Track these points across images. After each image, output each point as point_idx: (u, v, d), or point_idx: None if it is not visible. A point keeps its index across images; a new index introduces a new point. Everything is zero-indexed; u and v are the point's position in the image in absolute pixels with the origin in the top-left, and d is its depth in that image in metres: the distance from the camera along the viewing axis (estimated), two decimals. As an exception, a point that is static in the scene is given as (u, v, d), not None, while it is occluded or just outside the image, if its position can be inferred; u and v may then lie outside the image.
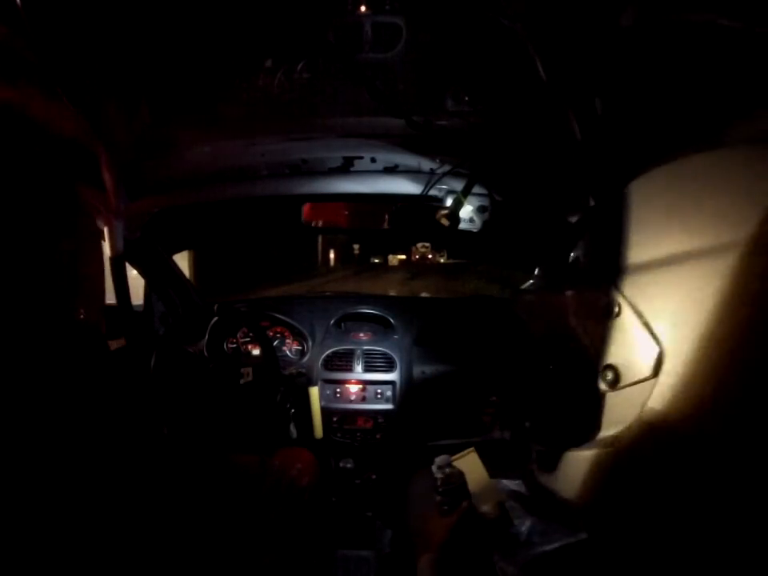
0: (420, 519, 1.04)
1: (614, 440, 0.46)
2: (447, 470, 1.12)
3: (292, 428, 1.58)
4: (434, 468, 1.06)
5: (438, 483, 1.06)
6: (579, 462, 0.51)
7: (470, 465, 1.22)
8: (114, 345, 1.43)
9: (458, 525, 0.99)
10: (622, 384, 0.46)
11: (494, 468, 1.36)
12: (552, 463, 0.57)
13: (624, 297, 0.46)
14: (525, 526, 0.96)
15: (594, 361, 0.49)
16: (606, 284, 0.49)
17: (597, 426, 0.49)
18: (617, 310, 0.47)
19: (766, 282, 0.35)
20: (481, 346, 1.60)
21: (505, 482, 1.11)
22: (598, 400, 0.49)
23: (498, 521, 1.09)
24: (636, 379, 0.44)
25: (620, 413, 0.47)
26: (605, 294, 0.48)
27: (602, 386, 0.48)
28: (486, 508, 1.13)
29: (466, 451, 1.27)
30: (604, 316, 0.47)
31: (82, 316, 0.57)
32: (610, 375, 0.47)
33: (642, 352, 0.43)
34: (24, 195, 0.51)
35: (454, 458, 1.19)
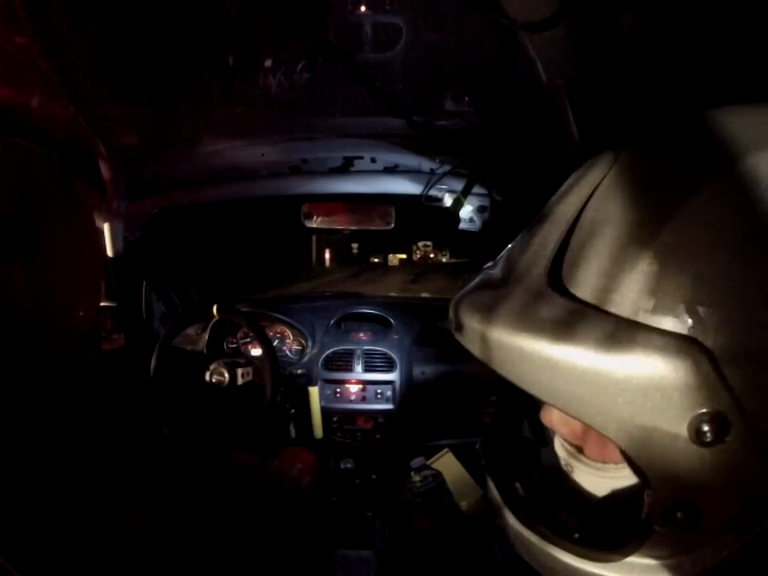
0: (407, 522, 1.04)
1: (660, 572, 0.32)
2: (424, 471, 1.13)
3: (292, 428, 1.58)
4: (411, 472, 1.07)
5: (417, 485, 1.07)
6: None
7: (448, 465, 1.23)
8: (114, 345, 1.44)
9: (440, 523, 1.00)
10: (695, 531, 0.30)
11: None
12: None
13: (737, 405, 0.26)
14: None
15: (654, 485, 0.30)
16: (712, 376, 0.27)
17: (633, 545, 0.33)
18: (723, 426, 0.27)
19: None
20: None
21: None
22: (650, 523, 0.31)
23: (482, 515, 1.10)
24: (721, 530, 0.30)
25: (668, 553, 0.31)
26: (709, 396, 0.27)
27: (658, 521, 0.30)
28: (467, 504, 1.14)
29: (441, 452, 1.28)
30: (705, 439, 0.27)
31: (81, 313, 0.57)
32: (681, 516, 0.29)
33: (749, 493, 0.28)
34: (25, 191, 0.51)
35: (430, 460, 1.20)
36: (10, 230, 0.49)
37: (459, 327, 0.38)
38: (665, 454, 0.29)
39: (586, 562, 0.34)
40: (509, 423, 0.50)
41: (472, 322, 0.35)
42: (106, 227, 1.16)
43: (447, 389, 1.61)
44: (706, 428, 0.27)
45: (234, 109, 1.11)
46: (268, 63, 1.00)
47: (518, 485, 0.43)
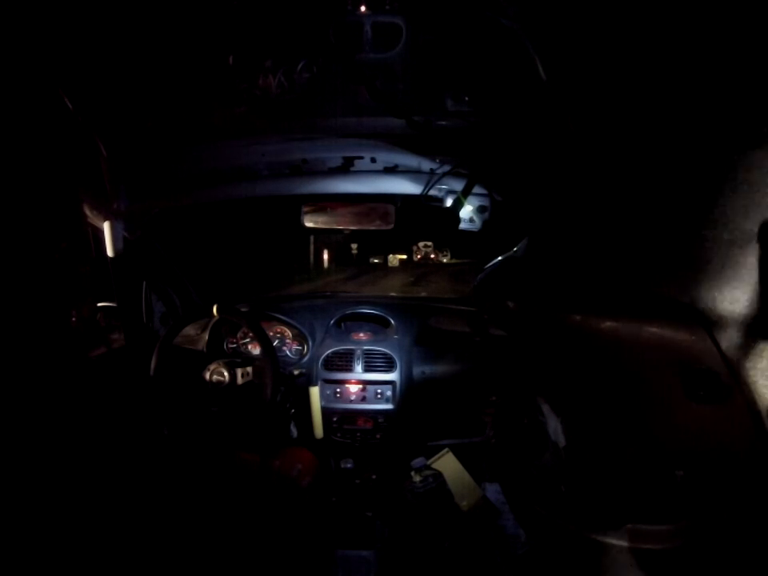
0: (407, 522, 1.05)
1: (666, 539, 0.34)
2: (424, 471, 1.13)
3: (292, 428, 1.58)
4: (411, 472, 1.08)
5: (417, 485, 1.07)
6: (603, 549, 0.37)
7: (448, 465, 1.23)
8: (114, 345, 1.44)
9: (440, 523, 1.00)
10: (692, 494, 0.32)
11: (491, 470, 1.36)
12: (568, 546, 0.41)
13: (736, 371, 0.28)
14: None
15: (657, 444, 0.33)
16: (704, 338, 0.29)
17: (636, 513, 0.35)
18: (725, 391, 0.29)
19: None
20: (481, 345, 1.60)
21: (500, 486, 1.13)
22: (652, 488, 0.34)
23: (484, 515, 1.11)
24: (716, 493, 0.31)
25: (664, 519, 0.33)
26: (702, 357, 0.29)
27: (659, 482, 0.33)
28: (468, 505, 1.14)
29: (442, 452, 1.28)
30: (698, 395, 0.30)
31: (74, 318, 0.57)
32: (680, 475, 0.32)
33: (743, 455, 0.30)
34: (26, 197, 0.51)
35: (430, 460, 1.20)
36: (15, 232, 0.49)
37: (481, 300, 0.43)
38: (665, 411, 0.31)
39: (591, 530, 0.39)
40: (511, 419, 0.54)
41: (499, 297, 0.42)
42: (106, 227, 1.16)
43: (447, 389, 1.60)
44: (699, 385, 0.29)
45: (234, 109, 1.11)
46: (268, 63, 1.00)
47: (526, 469, 0.48)
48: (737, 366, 0.28)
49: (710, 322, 0.29)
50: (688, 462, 0.31)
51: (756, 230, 0.30)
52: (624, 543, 0.35)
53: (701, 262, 0.29)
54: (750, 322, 0.28)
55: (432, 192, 1.15)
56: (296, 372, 1.54)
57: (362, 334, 1.68)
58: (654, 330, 0.31)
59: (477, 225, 1.17)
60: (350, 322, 1.76)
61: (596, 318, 0.34)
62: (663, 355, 0.30)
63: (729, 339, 0.28)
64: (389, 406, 1.55)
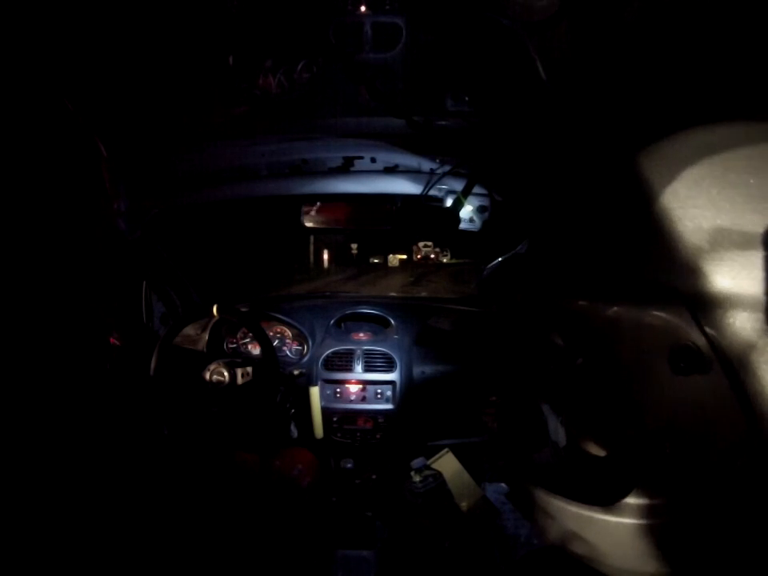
0: (407, 522, 1.05)
1: (656, 513, 0.35)
2: (424, 471, 1.13)
3: (292, 428, 1.58)
4: (411, 472, 1.07)
5: (417, 485, 1.07)
6: (603, 525, 0.39)
7: (448, 465, 1.23)
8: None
9: (440, 523, 1.00)
10: (683, 459, 0.33)
11: (492, 470, 1.36)
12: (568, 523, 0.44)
13: (715, 345, 0.30)
14: (524, 528, 0.97)
15: (647, 419, 0.34)
16: (686, 317, 0.32)
17: (631, 489, 0.36)
18: (705, 363, 0.31)
19: None
20: (481, 345, 1.60)
21: (504, 485, 1.12)
22: (644, 462, 0.35)
23: (484, 515, 1.11)
24: (707, 458, 0.32)
25: (654, 494, 0.35)
26: (684, 334, 0.32)
27: (649, 455, 0.35)
28: (468, 505, 1.14)
29: (442, 452, 1.28)
30: (680, 367, 0.32)
31: (91, 311, 0.57)
32: (669, 447, 0.33)
33: (725, 424, 0.31)
34: (29, 197, 0.52)
35: (430, 460, 1.20)
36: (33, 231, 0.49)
37: (486, 294, 0.52)
38: (653, 383, 0.35)
39: (588, 507, 0.41)
40: (511, 419, 0.58)
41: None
42: (106, 227, 1.16)
43: (447, 389, 1.61)
44: (681, 359, 0.32)
45: (234, 109, 1.11)
46: (268, 63, 1.00)
47: (526, 468, 0.52)
48: (717, 342, 0.31)
49: (696, 305, 0.32)
50: (675, 433, 0.33)
51: (752, 227, 0.33)
52: (618, 519, 0.38)
53: (694, 253, 0.33)
54: (731, 304, 0.30)
55: (432, 192, 1.15)
56: (296, 372, 1.54)
57: (361, 334, 1.68)
58: (646, 313, 0.34)
59: (477, 225, 1.17)
60: (350, 322, 1.76)
61: (593, 304, 0.37)
62: (653, 336, 0.34)
63: (711, 319, 0.31)
64: (389, 406, 1.55)
